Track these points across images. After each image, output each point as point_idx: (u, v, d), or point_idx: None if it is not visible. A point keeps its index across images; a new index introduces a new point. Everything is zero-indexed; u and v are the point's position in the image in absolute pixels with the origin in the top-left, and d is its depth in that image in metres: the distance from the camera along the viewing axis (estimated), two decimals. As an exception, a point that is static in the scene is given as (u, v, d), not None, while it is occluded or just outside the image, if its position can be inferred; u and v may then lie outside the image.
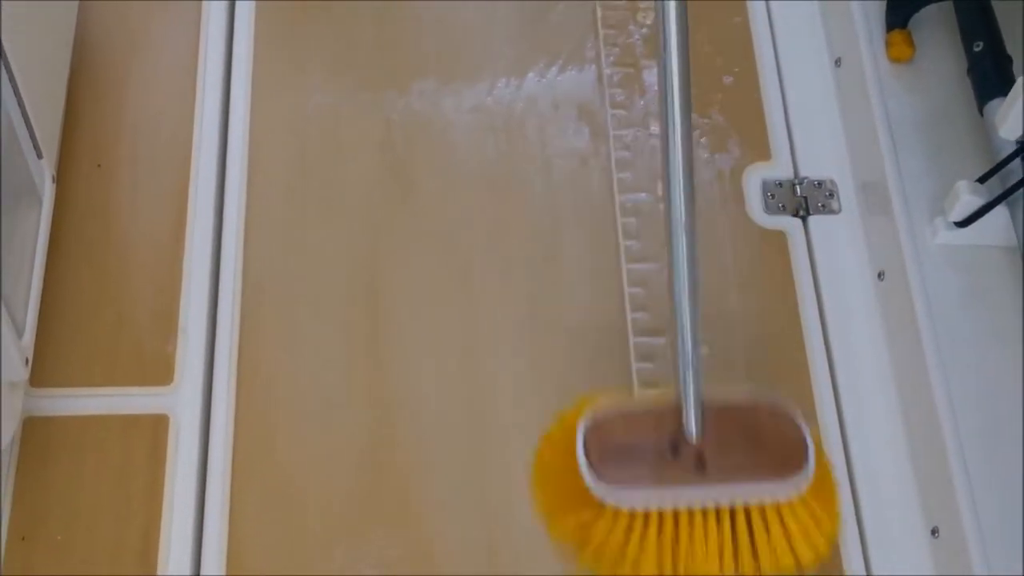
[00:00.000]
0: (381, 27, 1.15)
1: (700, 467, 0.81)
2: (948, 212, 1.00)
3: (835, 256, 1.05)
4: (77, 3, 1.09)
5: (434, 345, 1.00)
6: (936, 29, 1.11)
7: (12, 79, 0.87)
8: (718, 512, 0.81)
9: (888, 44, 1.11)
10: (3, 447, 0.89)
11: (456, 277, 1.03)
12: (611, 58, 1.14)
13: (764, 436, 0.82)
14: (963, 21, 1.08)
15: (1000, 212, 0.99)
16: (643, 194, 1.08)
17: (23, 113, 0.90)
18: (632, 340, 1.01)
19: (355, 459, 0.95)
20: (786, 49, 1.16)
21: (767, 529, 0.81)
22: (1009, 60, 1.04)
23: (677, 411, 0.82)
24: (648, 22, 1.17)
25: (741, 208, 1.07)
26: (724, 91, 1.13)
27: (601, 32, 1.16)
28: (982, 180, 1.00)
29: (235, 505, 0.93)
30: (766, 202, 1.07)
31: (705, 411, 0.82)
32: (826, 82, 1.14)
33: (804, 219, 1.07)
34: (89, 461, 0.94)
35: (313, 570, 0.92)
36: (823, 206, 1.07)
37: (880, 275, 1.02)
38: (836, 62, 1.13)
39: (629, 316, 1.02)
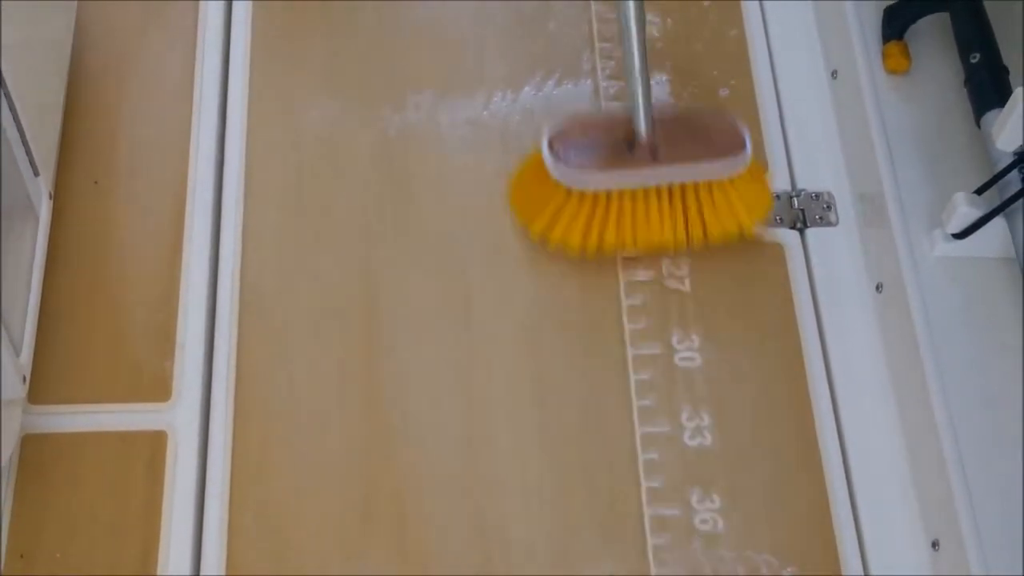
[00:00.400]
0: (378, 41, 1.15)
1: (652, 156, 0.99)
2: (946, 224, 1.00)
3: (833, 268, 1.05)
4: (73, 20, 1.09)
5: (431, 362, 1.00)
6: (932, 41, 1.11)
7: (8, 97, 0.87)
8: (670, 190, 1.00)
9: (884, 56, 1.11)
10: (2, 464, 0.89)
11: (453, 293, 1.03)
12: (607, 71, 1.14)
13: (707, 132, 1.01)
14: (959, 32, 1.08)
15: (998, 224, 0.99)
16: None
17: (20, 130, 0.90)
18: (629, 349, 1.01)
19: (352, 476, 0.95)
20: (782, 61, 1.16)
21: (712, 201, 1.01)
22: (1006, 71, 1.04)
23: (629, 119, 1.00)
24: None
25: (738, 220, 1.07)
26: (721, 103, 1.13)
27: (597, 45, 1.16)
28: (980, 191, 1.00)
29: (233, 521, 0.93)
30: (763, 214, 1.08)
31: (655, 116, 1.00)
32: (823, 94, 1.14)
33: (802, 231, 1.07)
34: (87, 478, 0.93)
35: (312, 586, 0.92)
36: (821, 218, 1.07)
37: (878, 287, 1.02)
38: (832, 74, 1.13)
39: (627, 325, 1.02)
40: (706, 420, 0.99)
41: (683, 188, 1.01)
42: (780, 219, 1.07)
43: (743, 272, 1.05)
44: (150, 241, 1.03)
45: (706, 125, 1.02)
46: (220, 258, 1.03)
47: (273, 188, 1.07)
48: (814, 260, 1.06)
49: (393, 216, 1.06)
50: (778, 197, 1.08)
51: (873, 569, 0.93)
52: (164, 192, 1.05)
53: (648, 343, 1.02)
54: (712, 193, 1.01)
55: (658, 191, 1.00)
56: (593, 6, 1.18)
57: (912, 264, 0.99)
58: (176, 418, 0.96)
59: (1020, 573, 0.88)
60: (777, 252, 1.06)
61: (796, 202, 1.08)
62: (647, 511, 0.95)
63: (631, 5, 0.98)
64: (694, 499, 0.95)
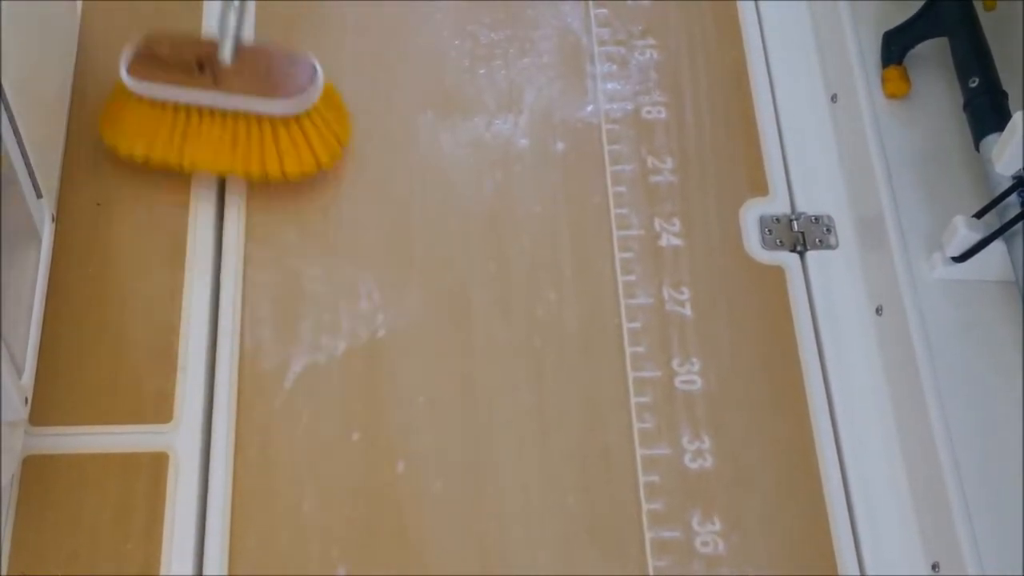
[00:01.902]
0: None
1: (215, 81, 1.02)
2: (946, 247, 1.00)
3: (833, 291, 1.06)
4: (76, 41, 1.10)
5: (432, 384, 1.00)
6: (932, 65, 1.12)
7: (12, 119, 0.87)
8: (235, 119, 1.03)
9: (884, 80, 1.12)
10: (3, 486, 0.89)
11: (455, 313, 1.03)
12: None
13: (282, 73, 1.04)
14: (958, 57, 1.08)
15: (997, 247, 0.99)
16: (640, 231, 1.08)
17: (23, 152, 0.90)
18: (630, 372, 1.01)
19: (354, 496, 0.95)
20: (782, 85, 1.16)
21: (277, 137, 1.04)
22: (1004, 96, 1.05)
23: (214, 42, 1.03)
24: (645, 57, 1.18)
25: (739, 244, 1.08)
26: (721, 127, 1.14)
27: (600, 68, 1.17)
28: (979, 215, 1.00)
29: (235, 543, 0.93)
30: (763, 238, 1.08)
31: (240, 48, 1.03)
32: (822, 118, 1.14)
33: (802, 254, 1.07)
34: (89, 499, 0.93)
35: (313, 608, 0.92)
36: (821, 241, 1.08)
37: (878, 310, 1.03)
38: (832, 98, 1.14)
39: (628, 348, 1.02)
40: (707, 443, 0.99)
41: (248, 120, 1.04)
42: (780, 242, 1.07)
43: (743, 295, 1.05)
44: (152, 263, 1.03)
45: (285, 65, 1.04)
46: (222, 279, 1.03)
47: (275, 203, 1.07)
48: (814, 283, 1.06)
49: (394, 238, 1.07)
50: (778, 220, 1.08)
51: (873, 591, 0.93)
52: (166, 214, 1.05)
53: (649, 366, 1.02)
54: (279, 129, 1.04)
55: (223, 117, 1.03)
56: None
57: (912, 287, 0.99)
58: (177, 439, 0.96)
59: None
60: (777, 275, 1.06)
61: (796, 225, 1.08)
62: (648, 534, 0.95)
63: None
64: (695, 521, 0.96)
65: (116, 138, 1.04)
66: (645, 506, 0.96)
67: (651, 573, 0.93)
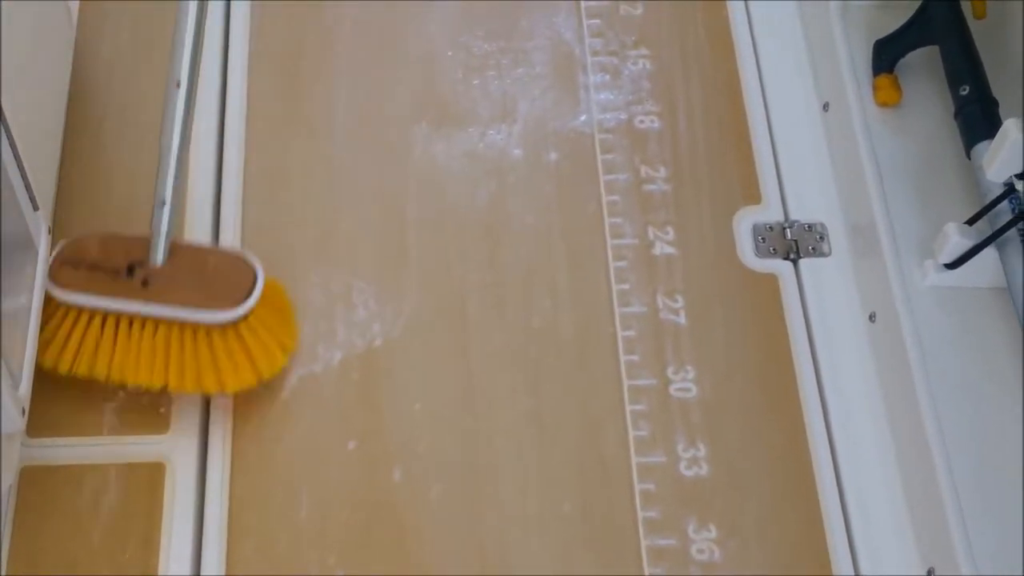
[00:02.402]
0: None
1: (145, 287, 0.95)
2: (938, 254, 1.01)
3: (826, 298, 1.06)
4: (72, 53, 1.10)
5: (430, 393, 1.01)
6: (922, 73, 1.13)
7: (8, 131, 0.87)
8: (157, 325, 0.95)
9: (875, 88, 1.13)
10: (1, 497, 0.89)
11: (451, 321, 1.04)
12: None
13: (218, 275, 0.97)
14: (949, 65, 1.09)
15: (989, 254, 1.00)
16: (634, 239, 1.08)
17: (20, 165, 0.90)
18: (625, 381, 1.02)
19: (351, 504, 0.96)
20: (774, 94, 1.17)
21: (212, 347, 0.95)
22: (995, 103, 1.05)
23: (147, 241, 0.96)
24: (637, 67, 1.18)
25: (732, 252, 1.08)
26: (714, 136, 1.14)
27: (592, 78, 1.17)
28: (971, 222, 1.01)
29: (232, 552, 0.93)
30: (757, 245, 1.08)
31: (174, 247, 0.96)
32: (815, 126, 1.15)
33: (795, 262, 1.08)
34: (86, 509, 0.94)
35: (311, 617, 0.92)
36: (814, 249, 1.08)
37: (871, 317, 1.03)
38: (824, 106, 1.15)
39: (622, 357, 1.03)
40: (702, 450, 0.99)
41: (182, 328, 0.96)
42: (774, 250, 1.08)
43: (737, 303, 1.06)
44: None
45: (222, 266, 0.98)
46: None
47: (269, 218, 1.07)
48: (807, 290, 1.06)
49: (389, 247, 1.07)
50: (771, 228, 1.09)
51: (869, 597, 0.94)
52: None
53: (644, 375, 1.02)
54: (214, 339, 0.96)
55: (154, 325, 0.96)
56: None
57: (904, 294, 1.00)
58: (174, 449, 0.96)
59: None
60: (771, 283, 1.07)
61: (789, 233, 1.09)
62: (644, 541, 0.95)
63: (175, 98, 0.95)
64: (691, 529, 0.96)
65: (44, 350, 0.95)
66: (641, 514, 0.96)
67: (647, 580, 0.94)
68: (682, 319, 1.05)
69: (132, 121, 1.11)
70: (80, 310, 0.96)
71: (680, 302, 1.05)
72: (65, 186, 1.06)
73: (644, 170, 1.12)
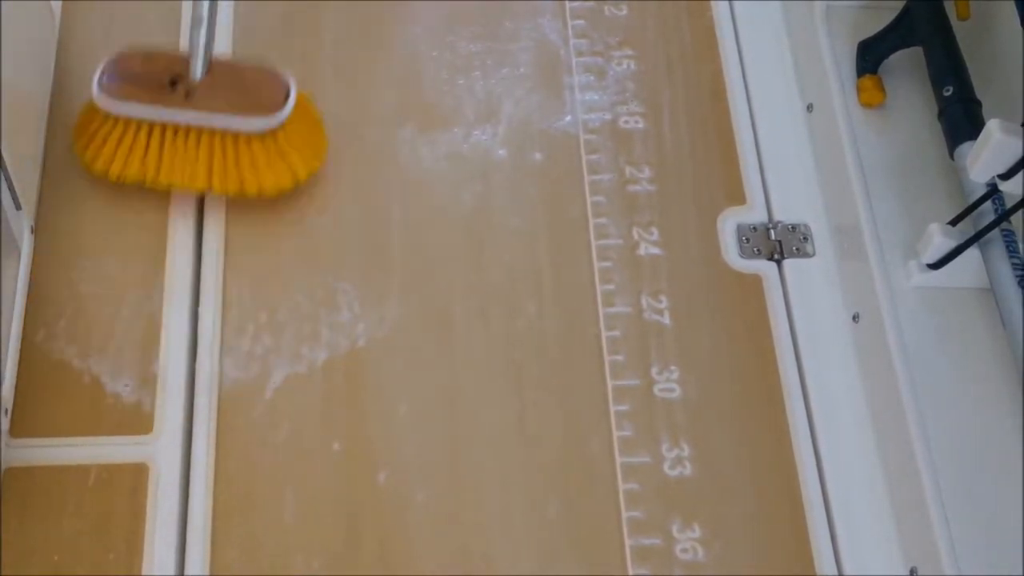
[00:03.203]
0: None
1: (187, 97, 1.02)
2: (921, 254, 1.01)
3: (811, 299, 1.06)
4: (54, 51, 1.10)
5: (414, 395, 1.00)
6: (906, 74, 1.13)
7: (-8, 133, 0.87)
8: (210, 135, 1.03)
9: (859, 89, 1.13)
10: None
11: (435, 323, 1.04)
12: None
13: (255, 87, 1.04)
14: (932, 66, 1.09)
15: (972, 254, 1.00)
16: (619, 240, 1.08)
17: (1, 165, 0.90)
18: (609, 381, 1.02)
19: (336, 506, 0.95)
20: (758, 95, 1.17)
21: (253, 153, 1.03)
22: (978, 104, 1.06)
23: (187, 58, 1.03)
24: (622, 67, 1.18)
25: (716, 252, 1.08)
26: (698, 136, 1.14)
27: (577, 78, 1.17)
28: (954, 222, 1.01)
29: (216, 554, 0.93)
30: (741, 246, 1.08)
31: (212, 63, 1.03)
32: (799, 127, 1.15)
33: (779, 262, 1.08)
34: (69, 510, 0.93)
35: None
36: (797, 249, 1.08)
37: (855, 317, 1.03)
38: (808, 107, 1.15)
39: (607, 357, 1.03)
40: (686, 450, 0.99)
41: (223, 136, 1.03)
42: (758, 250, 1.08)
43: (722, 304, 1.06)
44: (132, 274, 1.03)
45: (258, 80, 1.04)
46: (202, 291, 1.03)
47: (254, 213, 1.07)
48: (792, 291, 1.07)
49: (373, 249, 1.07)
50: (755, 229, 1.09)
51: (852, 596, 0.94)
52: (145, 225, 1.05)
53: (628, 375, 1.02)
54: (254, 146, 1.03)
55: (197, 134, 1.03)
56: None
57: (888, 294, 1.00)
58: (158, 451, 0.96)
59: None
60: (755, 283, 1.07)
61: (773, 233, 1.09)
62: (628, 541, 0.95)
63: None
64: (675, 529, 0.96)
65: (90, 157, 1.03)
66: (625, 514, 0.96)
67: (632, 580, 0.94)
68: (666, 319, 1.05)
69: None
70: (128, 120, 1.02)
71: (664, 302, 1.06)
72: (48, 185, 1.06)
73: (629, 170, 1.12)
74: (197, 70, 1.02)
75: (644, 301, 1.05)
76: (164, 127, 1.02)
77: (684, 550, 0.95)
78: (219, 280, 1.03)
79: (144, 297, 1.02)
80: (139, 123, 1.02)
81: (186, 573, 0.92)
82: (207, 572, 0.92)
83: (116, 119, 1.02)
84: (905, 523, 0.95)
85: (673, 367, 1.03)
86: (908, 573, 0.93)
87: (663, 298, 1.06)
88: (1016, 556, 0.91)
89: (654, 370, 1.02)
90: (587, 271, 1.07)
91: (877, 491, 0.97)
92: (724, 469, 0.99)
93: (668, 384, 1.02)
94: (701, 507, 0.97)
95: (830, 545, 0.96)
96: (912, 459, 0.93)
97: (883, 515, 0.96)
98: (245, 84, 1.04)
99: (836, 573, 0.95)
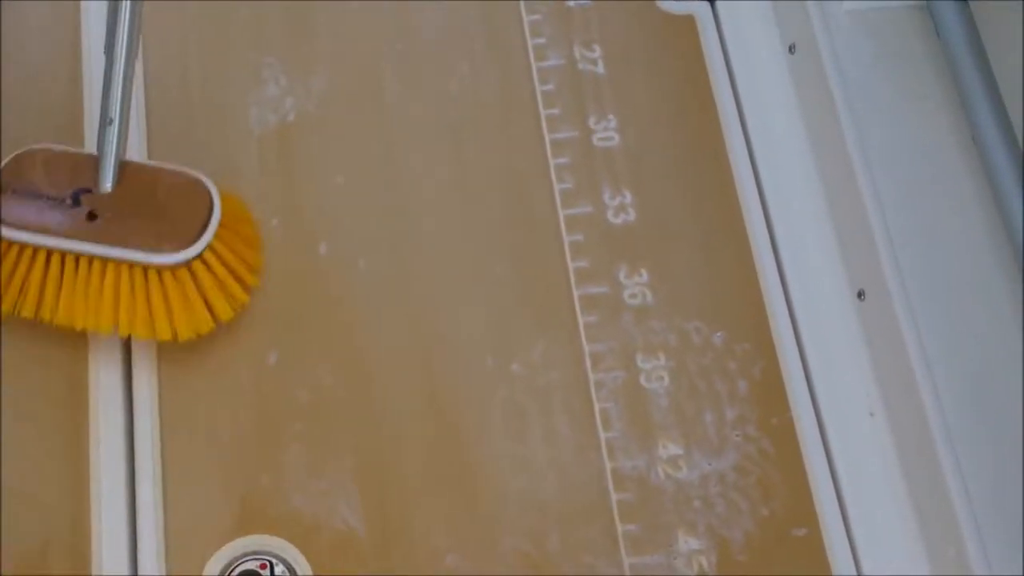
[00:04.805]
0: None
1: (91, 220, 0.87)
2: (852, -27, 1.00)
3: (745, 35, 1.04)
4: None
5: (349, 161, 0.99)
6: None
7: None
8: (105, 264, 0.87)
9: None
10: None
11: (365, 92, 1.02)
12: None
13: (170, 202, 0.89)
14: None
15: (906, -27, 0.98)
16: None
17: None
18: (547, 135, 1.00)
19: (279, 281, 0.94)
20: None
21: (164, 288, 0.87)
22: None
23: (94, 160, 0.88)
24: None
25: (648, -5, 1.06)
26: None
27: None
28: (883, -60, 0.99)
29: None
30: (673, -11, 1.06)
31: (124, 168, 0.89)
32: None
33: (712, 1, 1.06)
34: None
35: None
36: (730, -13, 1.06)
37: (791, 48, 1.02)
38: None
39: (543, 112, 1.01)
40: (628, 197, 0.98)
41: (130, 268, 0.87)
42: (690, -6, 1.06)
43: (655, 48, 1.04)
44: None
45: (176, 189, 0.90)
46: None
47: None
48: (725, 29, 1.05)
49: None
50: (684, -30, 1.07)
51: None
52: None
53: (565, 127, 1.01)
54: (164, 279, 0.87)
55: (101, 263, 0.87)
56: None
57: (823, 21, 0.98)
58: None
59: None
60: (688, 24, 1.05)
61: (703, -27, 1.06)
62: (576, 292, 0.95)
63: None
64: (621, 275, 0.95)
65: None
66: (571, 265, 0.96)
67: (582, 329, 0.93)
68: (600, 68, 1.03)
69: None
70: (23, 245, 0.87)
71: (597, 51, 1.03)
72: None
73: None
74: (107, 181, 0.88)
75: (577, 51, 1.03)
76: (64, 255, 0.87)
77: (632, 295, 0.95)
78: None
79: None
80: (35, 249, 0.87)
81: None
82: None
83: (9, 243, 0.87)
84: (849, 247, 0.95)
85: (610, 115, 1.01)
86: (856, 296, 0.93)
87: (596, 47, 1.04)
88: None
89: (591, 120, 1.01)
90: (517, 25, 1.04)
91: (821, 219, 0.97)
92: (669, 214, 0.98)
93: (607, 133, 1.00)
94: (647, 253, 0.96)
95: (778, 281, 0.96)
96: (852, 179, 0.92)
97: (827, 240, 0.96)
98: (159, 197, 0.89)
99: (785, 307, 0.95)
